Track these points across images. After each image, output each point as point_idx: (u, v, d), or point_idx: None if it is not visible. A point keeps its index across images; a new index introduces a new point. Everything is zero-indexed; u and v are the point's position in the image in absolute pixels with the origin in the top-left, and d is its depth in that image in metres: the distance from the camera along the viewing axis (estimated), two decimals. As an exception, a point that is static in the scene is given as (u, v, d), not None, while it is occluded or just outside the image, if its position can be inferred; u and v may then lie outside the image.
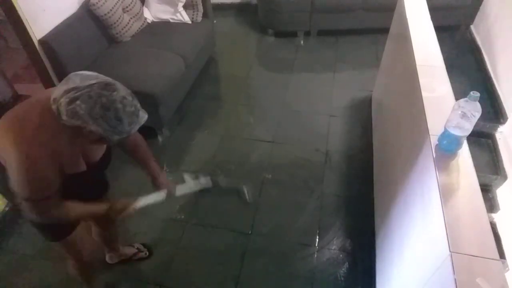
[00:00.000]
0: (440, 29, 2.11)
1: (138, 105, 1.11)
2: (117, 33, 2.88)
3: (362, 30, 3.88)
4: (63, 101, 1.01)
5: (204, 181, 1.56)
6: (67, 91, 1.02)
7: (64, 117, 1.02)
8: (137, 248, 2.06)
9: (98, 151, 1.37)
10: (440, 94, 1.53)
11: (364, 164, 2.50)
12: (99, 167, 1.40)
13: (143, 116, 1.13)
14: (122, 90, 1.08)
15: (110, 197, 1.62)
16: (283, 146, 2.71)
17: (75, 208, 1.29)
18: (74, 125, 1.03)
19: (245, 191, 1.88)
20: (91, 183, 1.44)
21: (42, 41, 2.41)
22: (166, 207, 2.31)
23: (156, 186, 1.54)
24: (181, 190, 1.53)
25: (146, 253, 2.06)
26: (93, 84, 1.03)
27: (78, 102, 1.01)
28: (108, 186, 1.67)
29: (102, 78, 1.08)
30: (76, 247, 1.57)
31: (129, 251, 2.04)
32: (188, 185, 1.55)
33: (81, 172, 1.27)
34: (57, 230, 1.45)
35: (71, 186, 1.23)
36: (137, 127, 1.13)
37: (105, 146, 1.38)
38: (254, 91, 3.31)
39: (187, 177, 1.59)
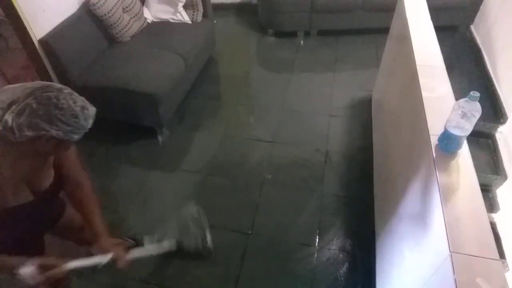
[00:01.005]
0: (440, 29, 2.11)
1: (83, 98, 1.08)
2: (117, 33, 2.88)
3: (362, 30, 3.88)
4: (9, 118, 0.94)
5: (168, 245, 1.41)
6: (4, 109, 0.95)
7: (16, 133, 0.96)
8: None
9: (45, 178, 1.23)
10: (440, 94, 1.53)
11: (364, 164, 2.50)
12: (48, 197, 1.26)
13: (93, 109, 1.08)
14: (64, 87, 1.04)
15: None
16: (283, 146, 2.71)
17: None
18: (30, 138, 0.98)
19: (209, 243, 1.75)
20: (39, 216, 1.28)
21: (42, 41, 2.42)
22: (166, 207, 2.31)
23: (94, 248, 1.27)
24: (136, 253, 1.31)
25: None
26: (33, 91, 0.98)
27: (27, 112, 0.95)
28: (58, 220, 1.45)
29: (32, 83, 1.01)
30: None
31: None
32: (147, 249, 1.39)
33: (27, 203, 1.14)
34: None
35: (16, 219, 1.11)
36: (91, 121, 1.07)
37: (53, 173, 1.24)
38: (254, 91, 3.31)
39: (147, 239, 1.45)
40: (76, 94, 1.05)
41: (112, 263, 1.25)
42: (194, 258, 1.89)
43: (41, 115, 0.96)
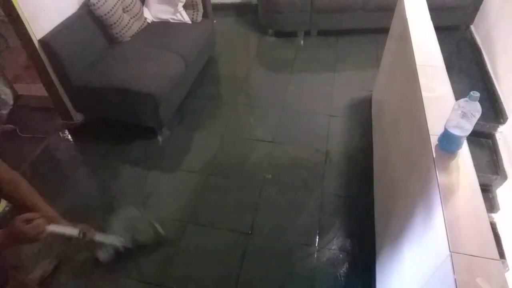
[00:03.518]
0: (440, 29, 2.11)
1: None
2: (117, 33, 2.88)
3: (362, 30, 3.88)
4: None
5: (123, 240, 1.71)
6: None
7: None
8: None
9: None
10: (440, 94, 1.53)
11: (364, 164, 2.50)
12: None
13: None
14: None
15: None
16: (283, 146, 2.71)
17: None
18: None
19: (160, 229, 1.96)
20: None
21: (42, 41, 2.41)
22: (166, 207, 2.31)
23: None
24: (101, 237, 1.57)
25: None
26: None
27: None
28: None
29: None
30: None
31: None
32: (107, 236, 1.66)
33: None
34: None
35: None
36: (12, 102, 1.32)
37: None
38: (254, 91, 3.31)
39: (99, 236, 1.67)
40: None
41: (82, 236, 1.42)
42: (154, 247, 2.06)
43: None
